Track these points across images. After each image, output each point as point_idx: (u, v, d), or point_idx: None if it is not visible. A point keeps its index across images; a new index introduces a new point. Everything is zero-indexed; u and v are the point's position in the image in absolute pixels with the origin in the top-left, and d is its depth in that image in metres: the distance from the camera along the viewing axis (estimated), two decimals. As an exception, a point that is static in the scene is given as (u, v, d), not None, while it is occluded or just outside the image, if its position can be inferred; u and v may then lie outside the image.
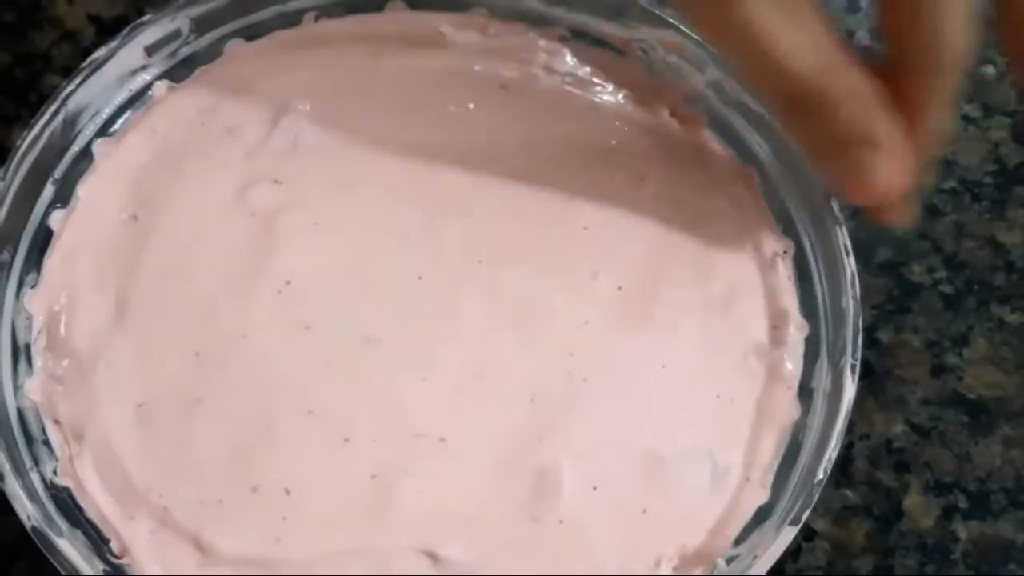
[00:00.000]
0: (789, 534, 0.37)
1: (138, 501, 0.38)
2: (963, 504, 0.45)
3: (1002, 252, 0.50)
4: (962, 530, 0.44)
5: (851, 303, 0.40)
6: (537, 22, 0.47)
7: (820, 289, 0.42)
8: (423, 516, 0.37)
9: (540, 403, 0.39)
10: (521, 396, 0.39)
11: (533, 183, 0.43)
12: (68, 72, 0.50)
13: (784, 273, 0.43)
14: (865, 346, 0.43)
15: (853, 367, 0.39)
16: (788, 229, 0.43)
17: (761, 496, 0.39)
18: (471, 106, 0.45)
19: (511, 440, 0.39)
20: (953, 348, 0.47)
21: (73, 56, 0.50)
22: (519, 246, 0.42)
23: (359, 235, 0.42)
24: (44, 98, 0.47)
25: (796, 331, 0.41)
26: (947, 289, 0.49)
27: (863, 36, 0.54)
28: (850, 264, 0.41)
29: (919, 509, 0.45)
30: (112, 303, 0.40)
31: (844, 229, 0.41)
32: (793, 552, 0.43)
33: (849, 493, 0.45)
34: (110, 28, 0.51)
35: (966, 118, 0.52)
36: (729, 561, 0.38)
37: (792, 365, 0.41)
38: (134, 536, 0.37)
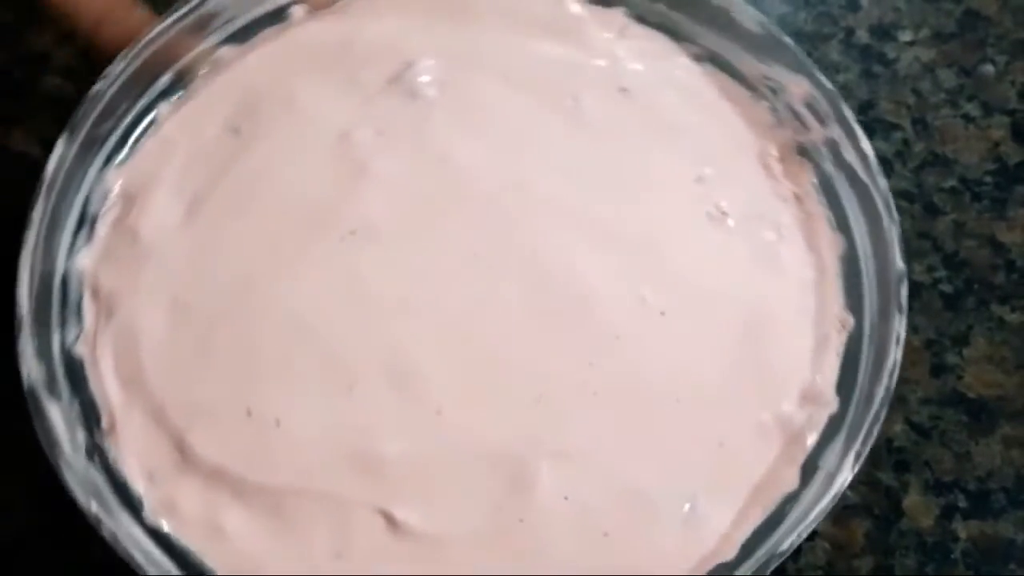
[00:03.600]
0: None
1: (140, 391, 0.38)
2: (963, 503, 0.45)
3: (1002, 251, 0.50)
4: (962, 529, 0.44)
5: (883, 392, 0.39)
6: (677, 36, 0.46)
7: (862, 372, 0.41)
8: (396, 478, 0.38)
9: (544, 404, 0.39)
10: (529, 392, 0.39)
11: (615, 192, 0.43)
12: (68, 72, 0.50)
13: (834, 348, 0.41)
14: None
15: (859, 454, 0.38)
16: (855, 306, 0.42)
17: (726, 553, 0.38)
18: (586, 100, 0.45)
19: (504, 430, 0.39)
20: (953, 347, 0.47)
21: (73, 56, 0.50)
22: (579, 248, 0.42)
23: (438, 201, 0.42)
24: (44, 98, 0.47)
25: (823, 408, 0.40)
26: (947, 288, 0.49)
27: (863, 35, 0.54)
28: (896, 353, 0.39)
29: (919, 509, 0.45)
30: (186, 204, 0.41)
31: (904, 318, 0.40)
32: (793, 552, 0.43)
33: (849, 493, 0.44)
34: (110, 28, 0.51)
35: (966, 117, 0.52)
36: None
37: (811, 441, 0.40)
38: (126, 422, 0.38)
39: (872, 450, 0.45)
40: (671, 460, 0.39)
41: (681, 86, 0.46)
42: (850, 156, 0.43)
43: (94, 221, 0.41)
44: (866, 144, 0.43)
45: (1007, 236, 0.50)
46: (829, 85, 0.44)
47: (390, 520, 0.37)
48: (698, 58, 0.46)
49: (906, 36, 0.54)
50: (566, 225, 0.42)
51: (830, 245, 0.43)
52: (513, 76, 0.45)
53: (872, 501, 0.44)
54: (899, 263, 0.41)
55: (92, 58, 0.43)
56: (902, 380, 0.46)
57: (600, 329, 0.40)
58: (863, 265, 0.42)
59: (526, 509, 0.38)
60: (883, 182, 0.42)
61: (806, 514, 0.38)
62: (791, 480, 0.39)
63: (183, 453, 0.38)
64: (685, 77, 0.46)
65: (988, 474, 0.45)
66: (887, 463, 0.45)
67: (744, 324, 0.41)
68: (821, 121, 0.44)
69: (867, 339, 0.41)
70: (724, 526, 0.38)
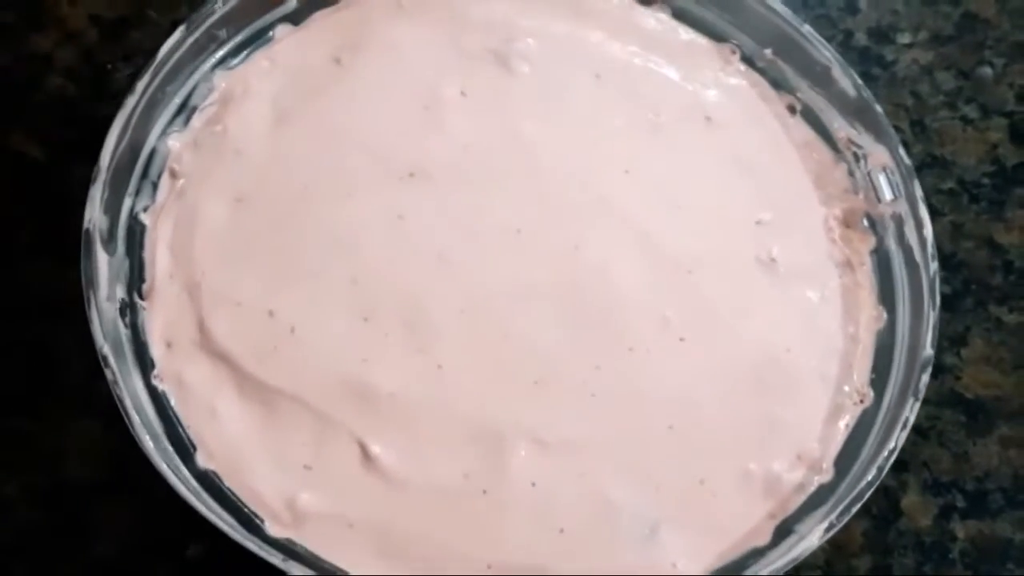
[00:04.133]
0: None
1: (184, 267, 0.41)
2: (961, 503, 0.45)
3: (1000, 252, 0.50)
4: (960, 529, 0.44)
5: (874, 473, 0.39)
6: (777, 84, 0.47)
7: (866, 450, 0.40)
8: (382, 415, 0.39)
9: (540, 390, 0.40)
10: (529, 375, 0.40)
11: (671, 210, 0.44)
12: (69, 73, 0.50)
13: (845, 420, 0.41)
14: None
15: (830, 527, 0.38)
16: (877, 382, 0.42)
17: None
18: (667, 117, 0.46)
19: (494, 403, 0.39)
20: (951, 348, 0.48)
21: (74, 57, 0.51)
22: (619, 253, 0.42)
23: (498, 169, 0.43)
24: (45, 98, 0.47)
25: (817, 476, 0.40)
26: (945, 289, 0.49)
27: (862, 37, 0.54)
28: (899, 438, 0.39)
29: (917, 508, 0.45)
30: (276, 116, 0.44)
31: (918, 405, 0.40)
32: (792, 551, 0.43)
33: (848, 492, 0.45)
34: (111, 29, 0.51)
35: (964, 119, 0.52)
36: None
37: (795, 505, 0.40)
38: (164, 290, 0.41)
39: (871, 450, 0.45)
40: (646, 481, 0.39)
41: (767, 130, 0.46)
42: (911, 235, 0.43)
43: (192, 112, 0.44)
44: (928, 228, 0.43)
45: (1005, 237, 0.50)
46: (907, 161, 0.44)
47: (365, 452, 0.38)
48: (791, 109, 0.47)
49: (904, 39, 0.54)
50: (613, 227, 0.43)
51: (870, 319, 0.43)
52: (604, 76, 0.46)
53: (871, 501, 0.44)
54: (928, 349, 0.41)
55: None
56: (900, 380, 0.47)
57: (616, 336, 0.41)
58: (898, 345, 0.42)
59: (493, 483, 0.38)
60: (934, 266, 0.42)
61: (763, 568, 0.38)
62: (762, 536, 0.39)
63: (202, 333, 0.40)
64: (773, 124, 0.47)
65: (986, 474, 0.45)
66: (885, 463, 0.45)
67: (760, 374, 0.41)
68: (894, 194, 0.44)
69: (881, 417, 0.41)
70: (679, 560, 0.38)
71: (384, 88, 0.45)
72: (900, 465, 0.45)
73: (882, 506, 0.44)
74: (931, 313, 0.41)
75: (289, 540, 0.37)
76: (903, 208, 0.44)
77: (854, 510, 0.38)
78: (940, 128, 0.52)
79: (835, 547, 0.44)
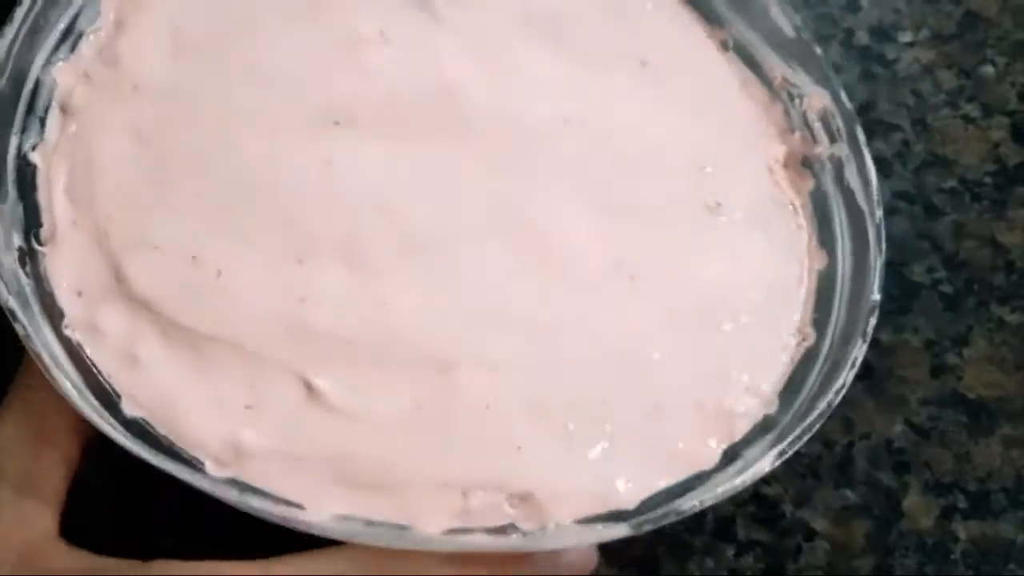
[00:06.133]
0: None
1: (87, 212, 0.37)
2: (963, 504, 0.45)
3: (1002, 252, 0.50)
4: (962, 530, 0.44)
5: (823, 406, 0.38)
6: (711, 19, 0.46)
7: (808, 385, 0.40)
8: (323, 351, 0.37)
9: (488, 319, 0.39)
10: (476, 304, 0.39)
11: (613, 156, 0.43)
12: (68, 72, 0.50)
13: (789, 356, 0.41)
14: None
15: (782, 452, 0.37)
16: (820, 322, 0.41)
17: (626, 502, 0.37)
18: (600, 66, 0.44)
19: (441, 331, 0.38)
20: (953, 348, 0.47)
21: (73, 56, 0.50)
22: (562, 198, 0.41)
23: (428, 126, 0.41)
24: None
25: (762, 407, 0.40)
26: (947, 289, 0.49)
27: (863, 36, 0.54)
28: (848, 376, 0.38)
29: (919, 509, 0.45)
30: (175, 43, 0.40)
31: (866, 345, 0.39)
32: (793, 552, 0.43)
33: (849, 493, 0.45)
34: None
35: (966, 118, 0.52)
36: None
37: (740, 431, 0.39)
38: (66, 238, 0.37)
39: (871, 450, 0.45)
40: (598, 405, 0.38)
41: (704, 71, 0.45)
42: (852, 179, 0.43)
43: (80, 37, 0.40)
44: (871, 171, 0.42)
45: (1007, 237, 0.50)
46: (849, 105, 0.43)
47: (309, 387, 0.36)
48: (724, 45, 0.46)
49: (906, 37, 0.54)
50: (555, 177, 0.41)
51: (812, 260, 0.43)
52: (534, 23, 0.44)
53: (872, 501, 0.44)
54: (875, 294, 0.40)
55: None
56: (901, 381, 0.47)
57: (562, 272, 0.40)
58: (838, 287, 0.42)
59: (446, 408, 0.37)
60: (879, 213, 0.42)
61: (715, 487, 0.37)
62: (709, 459, 0.38)
63: (118, 280, 0.37)
64: (710, 63, 0.45)
65: (988, 475, 0.45)
66: (887, 464, 0.45)
67: (708, 312, 0.41)
68: (831, 138, 0.44)
69: (822, 356, 0.40)
70: (622, 480, 0.38)
71: (299, 22, 0.42)
72: (901, 466, 0.45)
73: (883, 507, 0.44)
74: (877, 259, 0.41)
75: (233, 479, 0.35)
76: (843, 152, 0.43)
77: (806, 438, 0.37)
78: (941, 127, 0.52)
79: (836, 548, 0.44)
